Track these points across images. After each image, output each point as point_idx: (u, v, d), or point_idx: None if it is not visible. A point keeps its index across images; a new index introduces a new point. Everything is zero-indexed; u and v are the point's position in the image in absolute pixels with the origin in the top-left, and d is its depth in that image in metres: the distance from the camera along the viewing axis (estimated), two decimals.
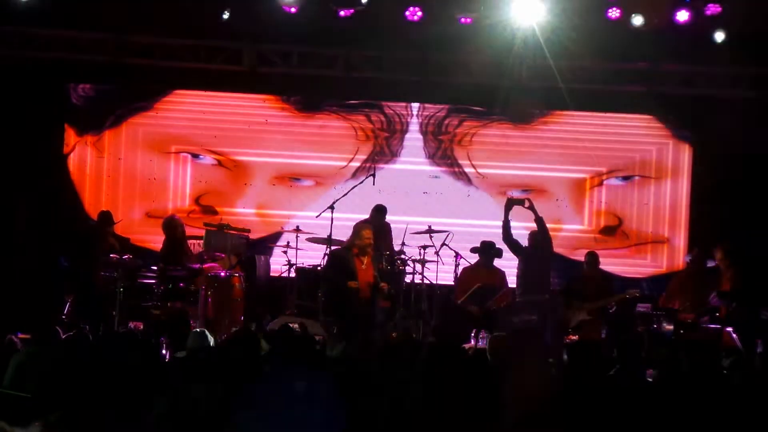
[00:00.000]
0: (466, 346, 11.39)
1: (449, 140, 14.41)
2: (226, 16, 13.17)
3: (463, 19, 13.15)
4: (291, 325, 9.52)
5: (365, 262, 11.18)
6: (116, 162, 14.18)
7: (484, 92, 14.27)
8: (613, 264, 14.10)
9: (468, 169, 14.43)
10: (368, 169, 13.95)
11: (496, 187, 14.40)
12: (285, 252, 12.77)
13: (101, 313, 11.26)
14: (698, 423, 6.35)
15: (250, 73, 14.04)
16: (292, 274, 12.68)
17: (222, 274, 11.60)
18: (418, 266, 12.51)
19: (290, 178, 14.35)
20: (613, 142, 14.46)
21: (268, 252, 13.79)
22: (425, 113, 14.43)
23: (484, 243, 12.18)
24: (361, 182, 12.97)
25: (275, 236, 14.04)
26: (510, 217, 11.39)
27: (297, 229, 12.63)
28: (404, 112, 14.44)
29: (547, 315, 11.24)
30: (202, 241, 12.37)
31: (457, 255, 12.35)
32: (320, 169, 14.33)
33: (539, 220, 11.40)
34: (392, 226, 13.04)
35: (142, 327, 11.35)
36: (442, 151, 14.43)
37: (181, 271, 11.57)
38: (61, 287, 12.19)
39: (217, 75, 14.03)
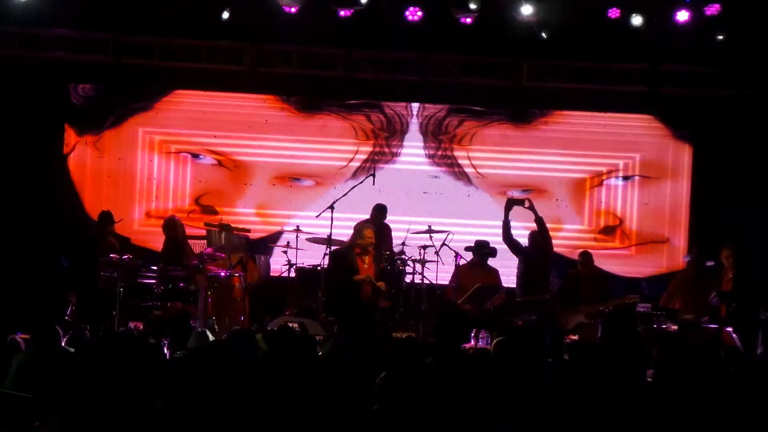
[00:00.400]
0: (466, 346, 11.38)
1: (449, 140, 14.41)
2: (225, 15, 13.17)
3: (463, 19, 13.15)
4: (291, 325, 9.53)
5: (367, 261, 11.20)
6: (116, 162, 14.18)
7: (484, 92, 14.29)
8: (613, 264, 14.11)
9: (468, 169, 14.43)
10: (368, 169, 13.95)
11: (496, 187, 14.40)
12: (285, 252, 12.77)
13: (101, 313, 11.25)
14: (698, 423, 6.35)
15: (250, 73, 14.05)
16: (292, 274, 12.68)
17: (222, 274, 11.60)
18: (418, 266, 12.51)
19: (290, 178, 14.35)
20: (613, 142, 14.46)
21: (268, 252, 13.79)
22: (425, 113, 14.43)
23: (478, 242, 12.18)
24: (361, 182, 12.97)
25: (275, 236, 14.04)
26: (510, 217, 11.42)
27: (297, 229, 12.63)
28: (404, 112, 14.44)
29: (547, 315, 11.27)
30: (202, 241, 12.37)
31: (457, 255, 12.34)
32: (320, 169, 14.33)
33: (539, 220, 11.42)
34: (392, 226, 13.05)
35: (142, 327, 11.35)
36: (442, 151, 14.43)
37: (181, 271, 11.56)
38: (61, 287, 12.18)
39: (217, 75, 14.03)
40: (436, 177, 14.43)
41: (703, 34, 13.16)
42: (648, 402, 6.54)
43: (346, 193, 12.79)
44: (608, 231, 14.52)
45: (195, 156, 14.30)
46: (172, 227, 12.09)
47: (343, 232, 12.12)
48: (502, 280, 12.18)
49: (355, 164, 14.30)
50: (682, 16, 13.00)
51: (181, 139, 14.27)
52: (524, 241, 11.77)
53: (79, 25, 13.60)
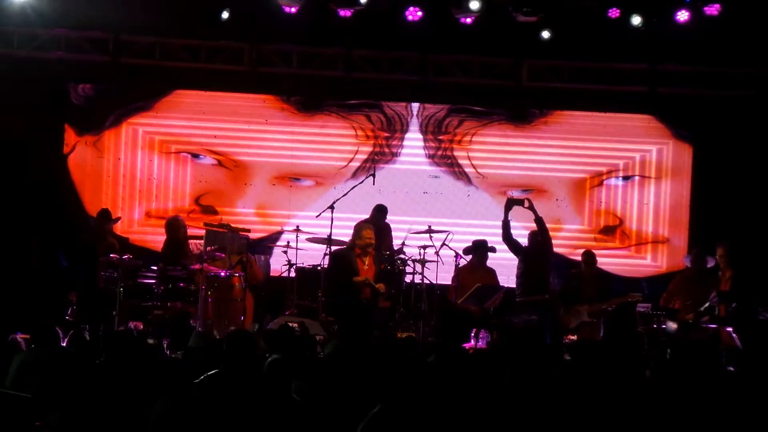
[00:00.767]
0: (466, 346, 11.39)
1: (449, 140, 14.42)
2: (225, 15, 13.17)
3: (463, 19, 13.15)
4: (291, 325, 9.54)
5: (367, 262, 11.20)
6: (116, 162, 14.18)
7: (484, 92, 14.30)
8: (613, 264, 14.11)
9: (468, 169, 14.43)
10: (368, 169, 13.95)
11: (496, 187, 14.40)
12: (285, 252, 12.77)
13: (101, 313, 11.25)
14: (698, 422, 6.35)
15: (250, 73, 14.05)
16: (292, 274, 12.68)
17: (222, 274, 11.60)
18: (418, 266, 12.51)
19: (290, 178, 14.35)
20: (613, 142, 14.46)
21: (268, 252, 13.80)
22: (425, 113, 14.43)
23: (476, 242, 12.18)
24: (361, 182, 12.98)
25: (275, 236, 14.04)
26: (510, 217, 11.41)
27: (297, 229, 12.63)
28: (404, 112, 14.44)
29: (546, 315, 11.27)
30: (202, 241, 12.37)
31: (457, 255, 12.35)
32: (320, 169, 14.33)
33: (539, 220, 11.42)
34: (392, 226, 13.05)
35: (141, 327, 11.35)
36: (442, 151, 14.43)
37: (181, 271, 11.56)
38: (61, 287, 12.18)
39: (217, 75, 14.03)
40: (436, 177, 14.43)
41: (703, 34, 13.16)
42: (647, 401, 6.54)
43: (346, 193, 12.79)
44: (608, 231, 14.52)
45: (195, 156, 14.30)
46: (174, 227, 12.08)
47: (343, 232, 12.12)
48: (502, 281, 12.19)
49: (355, 164, 14.30)
50: (682, 16, 13.00)
51: (181, 139, 14.27)
52: (524, 241, 11.77)
53: (79, 25, 13.59)
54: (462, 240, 12.74)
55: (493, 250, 12.07)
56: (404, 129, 14.43)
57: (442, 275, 12.54)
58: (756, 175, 13.91)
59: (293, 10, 12.95)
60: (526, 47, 13.80)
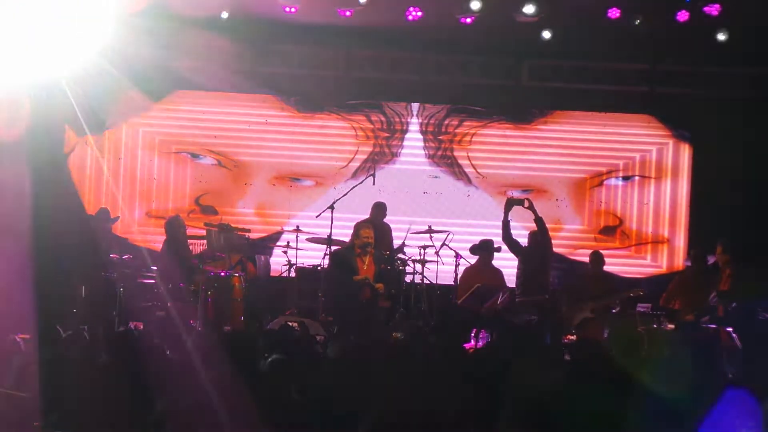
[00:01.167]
0: (467, 346, 11.39)
1: (449, 140, 14.42)
2: (225, 15, 13.17)
3: (463, 19, 13.16)
4: (291, 325, 9.54)
5: (367, 261, 11.19)
6: (116, 162, 14.19)
7: (484, 92, 14.30)
8: (613, 264, 14.06)
9: (468, 169, 14.44)
10: (368, 169, 13.95)
11: (496, 187, 14.41)
12: (285, 252, 12.77)
13: (101, 313, 11.24)
14: (698, 422, 6.35)
15: (250, 73, 14.05)
16: (292, 274, 12.68)
17: (222, 274, 11.60)
18: (418, 266, 12.52)
19: (290, 178, 14.36)
20: (613, 142, 14.47)
21: (268, 252, 13.80)
22: (425, 113, 14.44)
23: (483, 241, 12.19)
24: (361, 182, 12.99)
25: (275, 236, 14.05)
26: (510, 217, 11.42)
27: (297, 229, 12.63)
28: (404, 112, 14.45)
29: (547, 315, 11.27)
30: (202, 241, 12.37)
31: (457, 255, 12.36)
32: (320, 169, 14.34)
33: (539, 220, 11.43)
34: (392, 226, 13.06)
35: (142, 327, 11.34)
36: (442, 151, 14.44)
37: (182, 271, 11.54)
38: (61, 287, 12.16)
39: (217, 75, 14.03)
40: (436, 177, 14.43)
41: (703, 34, 13.16)
42: (647, 401, 6.54)
43: (346, 193, 12.80)
44: (608, 231, 14.53)
45: (195, 156, 14.31)
46: (175, 227, 12.07)
47: (343, 232, 12.13)
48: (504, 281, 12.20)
49: (355, 164, 14.30)
50: (682, 16, 13.00)
51: (181, 139, 14.28)
52: (524, 241, 11.78)
53: None
54: (462, 240, 12.75)
55: (499, 249, 12.07)
56: (404, 129, 14.43)
57: (442, 275, 12.55)
58: (755, 175, 13.91)
59: (293, 10, 12.95)
60: (526, 47, 13.80)
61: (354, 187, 12.92)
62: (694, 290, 11.70)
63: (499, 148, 14.47)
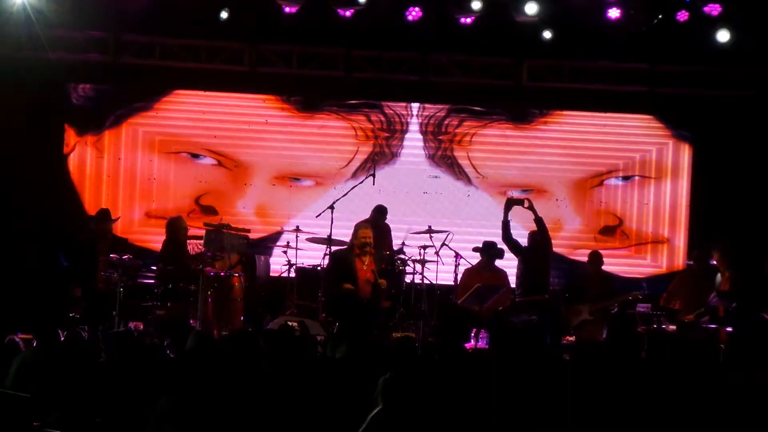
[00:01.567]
0: (467, 346, 11.39)
1: (449, 140, 14.42)
2: (224, 15, 13.17)
3: (463, 19, 13.15)
4: (291, 325, 9.54)
5: (366, 261, 11.19)
6: (116, 162, 14.18)
7: (484, 92, 14.30)
8: (613, 264, 14.07)
9: (468, 169, 14.43)
10: (368, 169, 13.95)
11: (496, 187, 14.41)
12: (285, 252, 12.77)
13: (101, 313, 11.24)
14: (698, 422, 6.36)
15: (250, 73, 14.05)
16: (292, 274, 12.67)
17: (222, 274, 11.60)
18: (418, 266, 12.51)
19: (290, 178, 14.35)
20: (613, 142, 14.47)
21: (268, 252, 13.79)
22: (425, 113, 14.43)
23: (486, 243, 12.18)
24: (361, 182, 12.98)
25: (275, 236, 14.04)
26: (510, 217, 11.41)
27: (297, 229, 12.63)
28: (404, 112, 14.44)
29: (547, 315, 11.26)
30: (201, 241, 12.36)
31: (457, 255, 12.35)
32: (320, 169, 14.33)
33: (538, 220, 11.41)
34: (392, 226, 13.05)
35: (142, 327, 11.35)
36: (442, 151, 14.43)
37: (181, 272, 11.54)
38: (61, 287, 12.17)
39: (217, 75, 14.03)
40: (436, 177, 14.43)
41: (703, 34, 13.16)
42: (647, 401, 6.55)
43: (346, 193, 12.79)
44: (608, 231, 14.52)
45: (195, 156, 14.30)
46: (176, 227, 12.05)
47: (343, 232, 12.12)
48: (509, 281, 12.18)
49: (355, 164, 14.30)
50: (682, 16, 12.99)
51: (181, 139, 14.27)
52: (524, 241, 11.77)
53: (79, 25, 13.59)
54: (462, 240, 12.75)
55: (501, 254, 12.03)
56: (404, 129, 14.43)
57: (442, 275, 12.54)
58: (755, 175, 13.91)
59: (293, 10, 12.95)
60: (526, 47, 13.80)
61: (354, 187, 12.91)
62: (695, 290, 11.69)
63: (499, 148, 14.46)
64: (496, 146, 14.46)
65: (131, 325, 11.34)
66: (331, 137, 14.33)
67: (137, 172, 14.19)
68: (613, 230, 14.53)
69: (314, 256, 12.66)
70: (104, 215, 12.25)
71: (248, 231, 12.45)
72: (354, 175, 14.16)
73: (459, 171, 14.44)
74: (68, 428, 6.19)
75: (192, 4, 13.30)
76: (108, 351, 7.54)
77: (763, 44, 13.38)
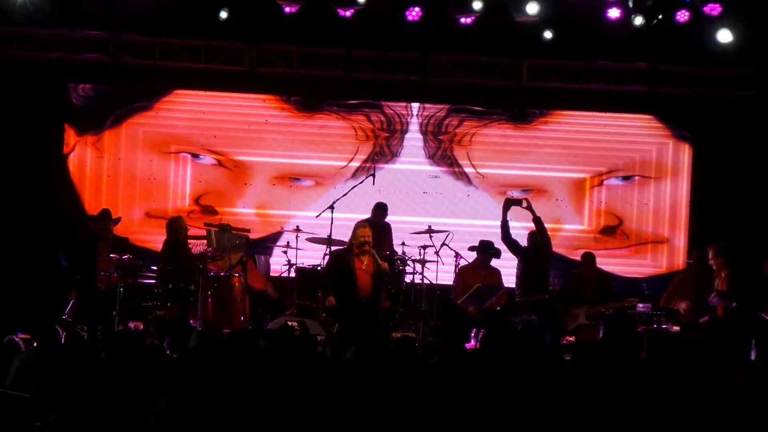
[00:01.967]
0: (467, 346, 11.38)
1: (449, 140, 14.42)
2: (224, 15, 13.17)
3: (463, 19, 13.15)
4: (291, 325, 9.53)
5: (366, 261, 11.18)
6: (116, 162, 14.18)
7: (484, 92, 14.30)
8: (613, 264, 14.11)
9: (468, 169, 14.43)
10: (368, 169, 13.95)
11: (496, 187, 14.41)
12: (285, 252, 12.78)
13: (101, 313, 11.25)
14: (698, 422, 6.35)
15: (250, 73, 14.05)
16: (292, 274, 12.68)
17: (222, 274, 11.60)
18: (418, 266, 12.52)
19: (290, 178, 14.36)
20: (613, 142, 14.47)
21: (268, 252, 13.80)
22: (425, 113, 14.43)
23: (483, 242, 12.18)
24: (361, 182, 12.98)
25: (275, 236, 14.05)
26: (509, 217, 11.41)
27: (297, 229, 12.64)
28: (404, 112, 14.45)
29: (546, 315, 11.27)
30: (202, 241, 12.37)
31: (457, 255, 12.35)
32: (320, 169, 14.34)
33: (537, 220, 11.41)
34: (392, 226, 13.05)
35: (141, 327, 11.35)
36: (442, 151, 14.44)
37: (181, 272, 11.54)
38: (61, 286, 12.18)
39: (217, 75, 14.03)
40: (436, 177, 14.43)
41: (703, 34, 13.16)
42: (646, 400, 6.54)
43: (346, 193, 12.80)
44: (608, 231, 14.52)
45: (195, 156, 14.31)
46: (176, 227, 12.05)
47: (343, 232, 12.12)
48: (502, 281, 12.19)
49: (355, 164, 14.30)
50: (682, 16, 13.00)
51: (181, 139, 14.27)
52: (523, 241, 11.77)
53: (79, 25, 13.59)
54: (462, 240, 12.75)
55: (499, 254, 12.03)
56: (404, 129, 14.43)
57: (442, 275, 12.55)
58: (755, 175, 13.91)
59: (293, 10, 12.95)
60: (526, 47, 13.80)
61: (354, 187, 12.91)
62: (695, 290, 11.69)
63: (499, 148, 14.47)
64: (496, 146, 14.46)
65: (131, 325, 11.34)
66: (331, 137, 14.34)
67: (137, 172, 14.19)
68: (613, 230, 14.54)
69: (314, 256, 12.67)
70: (105, 215, 12.25)
71: (248, 231, 12.45)
72: (354, 175, 14.17)
73: (459, 171, 14.45)
74: (68, 428, 6.19)
75: (192, 4, 13.30)
76: (108, 351, 7.54)
77: (763, 44, 13.38)
